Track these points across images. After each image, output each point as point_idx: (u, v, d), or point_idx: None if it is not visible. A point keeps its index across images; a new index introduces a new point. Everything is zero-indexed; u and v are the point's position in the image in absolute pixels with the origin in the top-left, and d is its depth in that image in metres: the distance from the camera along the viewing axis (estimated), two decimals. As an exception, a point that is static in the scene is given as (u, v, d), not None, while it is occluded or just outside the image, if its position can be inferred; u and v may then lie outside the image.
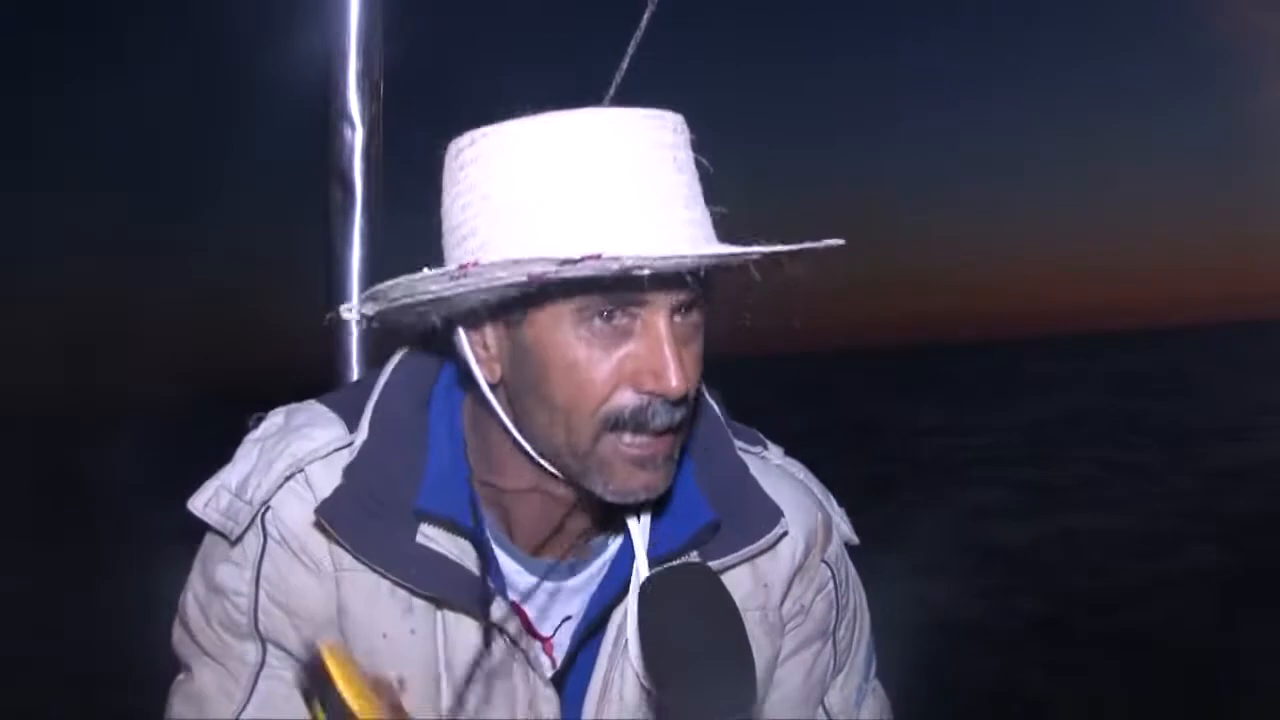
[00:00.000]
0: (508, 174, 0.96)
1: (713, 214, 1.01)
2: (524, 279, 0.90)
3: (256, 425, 1.13)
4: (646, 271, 0.90)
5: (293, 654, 1.08)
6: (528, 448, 1.03)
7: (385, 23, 1.76)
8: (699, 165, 1.01)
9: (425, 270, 0.95)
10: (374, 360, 1.70)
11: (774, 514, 1.14)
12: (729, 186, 1.01)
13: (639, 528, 1.10)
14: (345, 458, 1.07)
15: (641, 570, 1.08)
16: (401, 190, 1.79)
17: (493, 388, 1.03)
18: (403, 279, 0.95)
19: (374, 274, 1.74)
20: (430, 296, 0.95)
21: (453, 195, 1.00)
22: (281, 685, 1.08)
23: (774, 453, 1.26)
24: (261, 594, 1.07)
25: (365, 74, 1.74)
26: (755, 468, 1.19)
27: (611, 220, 0.93)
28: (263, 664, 1.08)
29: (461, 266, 0.90)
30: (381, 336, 1.75)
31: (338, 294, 1.75)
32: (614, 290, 0.93)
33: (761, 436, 1.27)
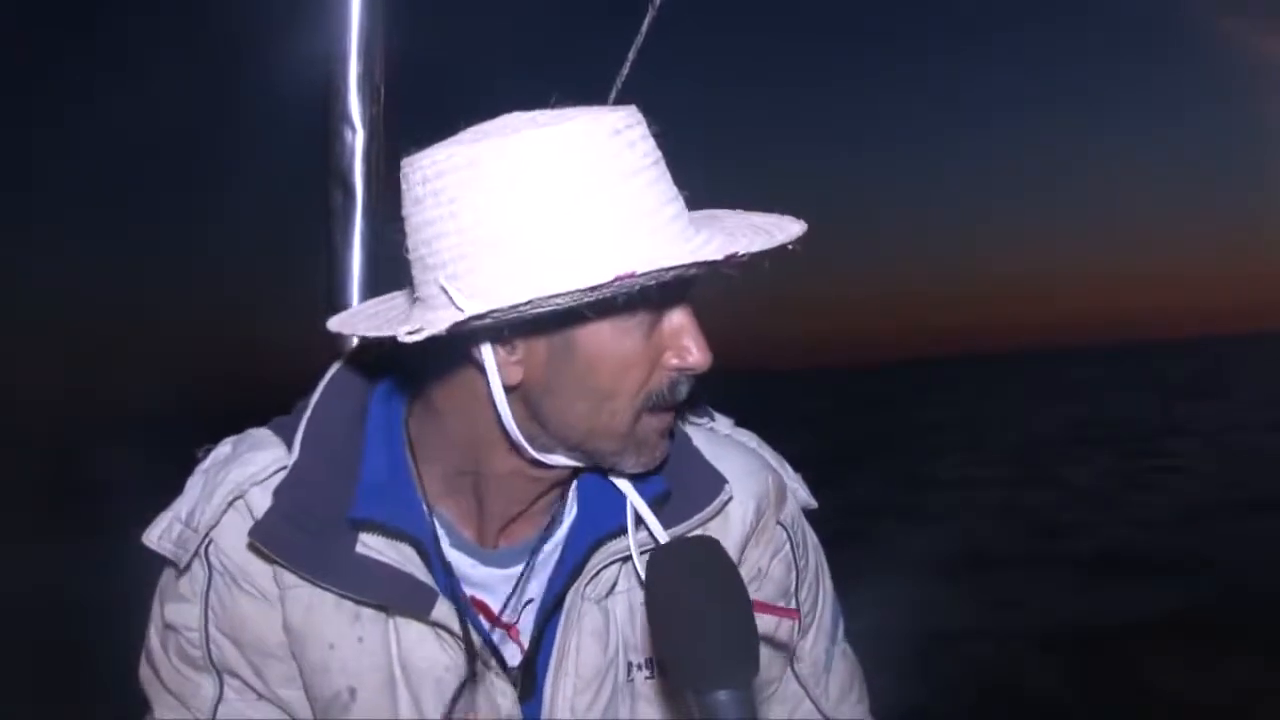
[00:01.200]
0: (499, 203, 0.93)
1: (685, 198, 1.03)
2: (593, 299, 0.92)
3: (205, 456, 1.15)
4: (672, 275, 0.94)
5: (248, 684, 1.11)
6: (522, 442, 1.05)
7: (386, 25, 1.76)
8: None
9: (468, 300, 0.93)
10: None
11: (717, 481, 1.17)
12: (681, 170, 1.03)
13: (631, 490, 1.13)
14: (281, 479, 1.08)
15: (659, 535, 1.11)
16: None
17: (508, 389, 1.03)
18: (422, 329, 0.91)
19: (374, 277, 1.74)
20: (483, 323, 0.93)
21: (427, 218, 0.97)
22: (239, 716, 1.11)
23: (722, 423, 1.29)
24: (211, 627, 1.10)
25: (366, 77, 1.74)
26: (701, 438, 1.22)
27: (624, 235, 0.94)
28: (220, 697, 1.11)
29: (490, 311, 0.90)
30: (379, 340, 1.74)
31: (338, 297, 1.75)
32: (662, 292, 0.98)
33: (709, 409, 1.30)
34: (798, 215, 1.04)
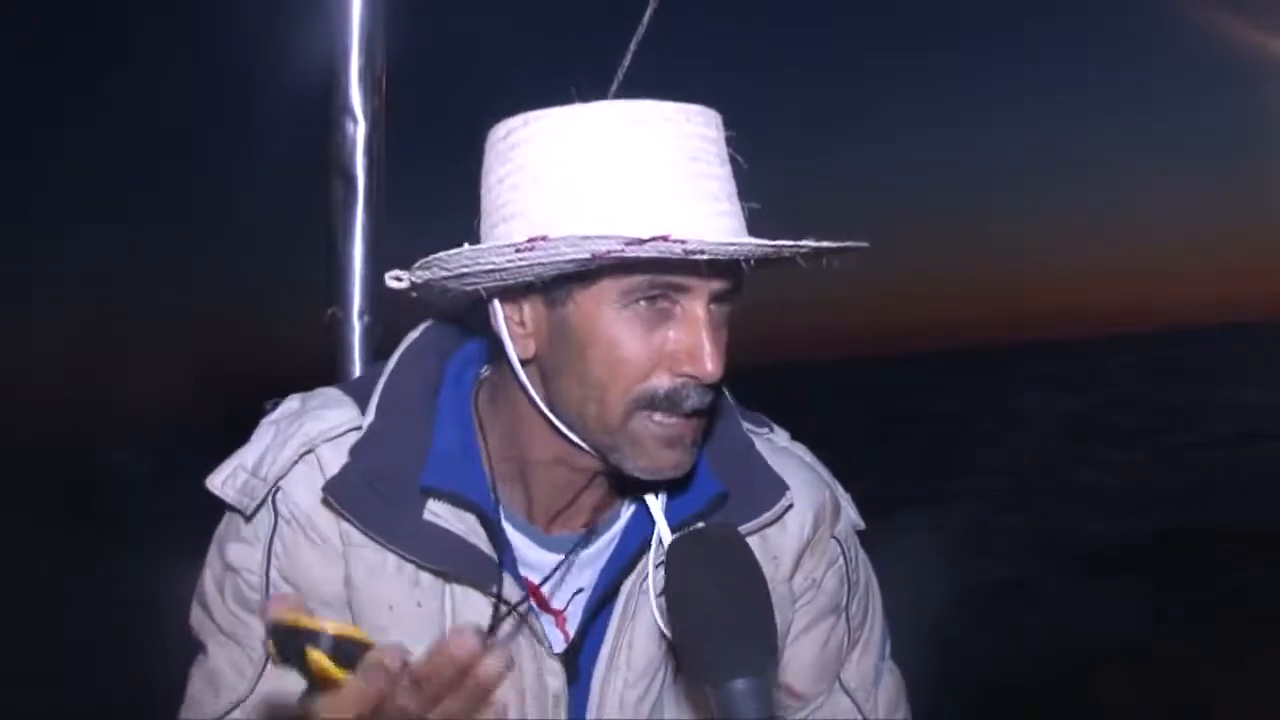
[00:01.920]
0: (562, 156, 0.98)
1: (745, 210, 1.04)
2: (588, 255, 0.92)
3: (274, 408, 1.17)
4: (705, 256, 0.94)
5: None
6: (556, 422, 1.06)
7: (388, 18, 1.76)
8: (734, 162, 1.04)
9: (465, 245, 0.97)
10: (375, 355, 1.69)
11: (780, 486, 1.17)
12: (759, 184, 1.04)
13: (655, 500, 1.13)
14: (354, 439, 1.10)
15: (665, 536, 1.11)
16: (403, 185, 1.78)
17: (524, 363, 1.06)
18: (465, 249, 0.96)
19: (376, 269, 1.74)
20: (489, 267, 0.97)
21: (499, 175, 1.02)
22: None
23: (780, 435, 1.30)
24: (273, 570, 1.10)
25: (368, 69, 1.74)
26: (762, 447, 1.22)
27: (668, 206, 0.97)
28: (268, 654, 1.09)
29: (530, 240, 0.92)
30: (383, 332, 1.75)
31: (339, 289, 1.75)
32: (665, 273, 0.97)
33: (768, 420, 1.30)
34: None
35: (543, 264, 0.95)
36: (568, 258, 0.93)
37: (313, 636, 0.81)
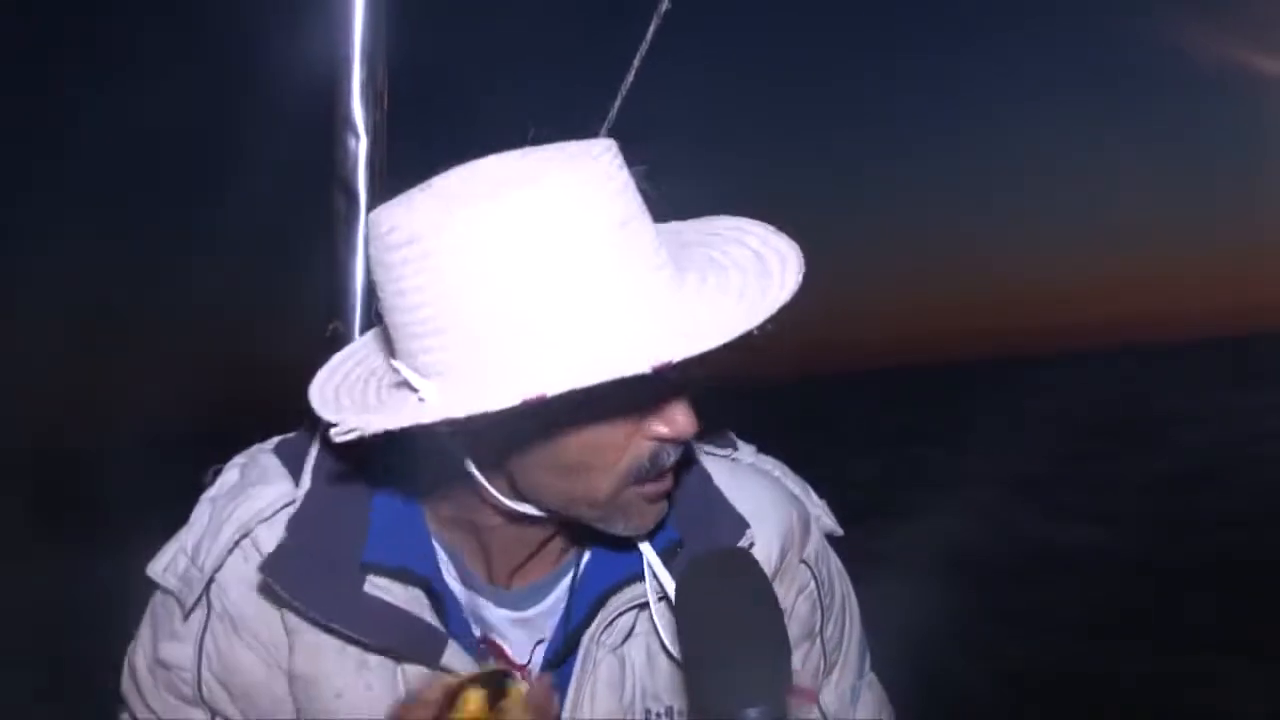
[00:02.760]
0: (496, 264, 0.86)
1: (649, 199, 0.96)
2: (582, 397, 0.84)
3: (213, 480, 1.12)
4: (678, 359, 0.85)
5: None
6: (513, 506, 1.00)
7: (389, 31, 1.76)
8: (640, 190, 0.95)
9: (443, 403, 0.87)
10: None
11: (739, 525, 1.13)
12: (659, 202, 0.96)
13: (647, 548, 1.09)
14: (289, 514, 1.05)
15: (662, 576, 1.07)
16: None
17: (479, 460, 0.98)
18: (447, 411, 0.85)
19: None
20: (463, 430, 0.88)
21: (416, 284, 0.89)
22: None
23: (745, 452, 1.25)
24: (204, 671, 1.06)
25: (369, 82, 1.74)
26: (723, 472, 1.17)
27: (637, 312, 0.88)
28: None
29: (539, 398, 0.82)
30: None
31: (341, 303, 1.74)
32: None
33: (733, 437, 1.26)
34: (797, 219, 0.98)
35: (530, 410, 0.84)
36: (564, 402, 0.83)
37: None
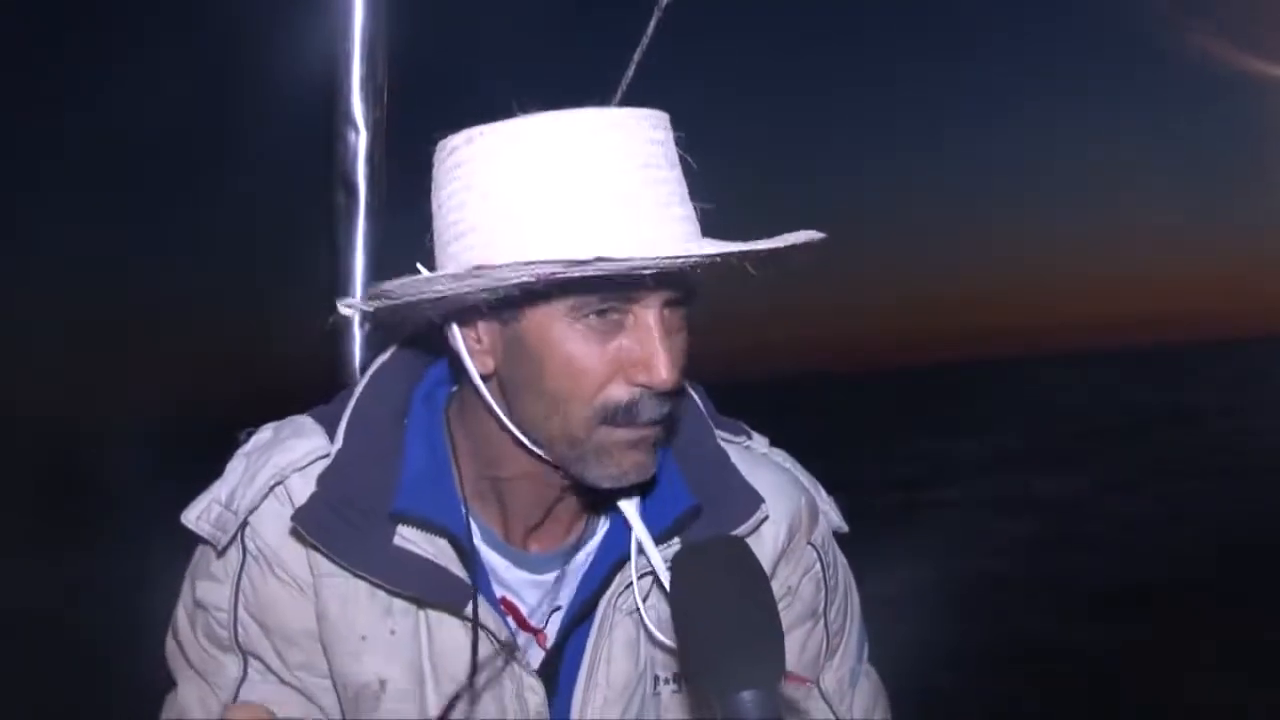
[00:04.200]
0: (507, 172, 0.98)
1: (698, 210, 1.04)
2: (531, 279, 0.92)
3: (247, 439, 1.16)
4: (649, 271, 0.93)
5: (270, 666, 1.11)
6: (521, 437, 1.06)
7: (389, 27, 1.76)
8: (684, 162, 1.03)
9: (423, 271, 0.99)
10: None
11: (754, 499, 1.16)
12: (709, 182, 1.04)
13: (633, 512, 1.12)
14: (323, 467, 1.10)
15: (648, 549, 1.11)
16: (405, 194, 1.78)
17: (485, 379, 1.06)
18: (409, 278, 0.97)
19: (378, 278, 1.74)
20: (435, 295, 0.97)
21: (448, 191, 1.02)
22: (260, 697, 1.10)
23: (758, 442, 1.29)
24: (239, 609, 1.10)
25: (369, 78, 1.74)
26: (737, 456, 1.21)
27: (612, 219, 0.97)
28: (244, 677, 1.11)
29: (477, 268, 0.92)
30: (384, 342, 1.75)
31: (341, 296, 1.75)
32: (611, 288, 0.97)
33: (745, 427, 1.29)
34: (794, 222, 1.02)
35: (489, 289, 0.94)
36: (510, 282, 0.93)
37: None
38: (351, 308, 1.09)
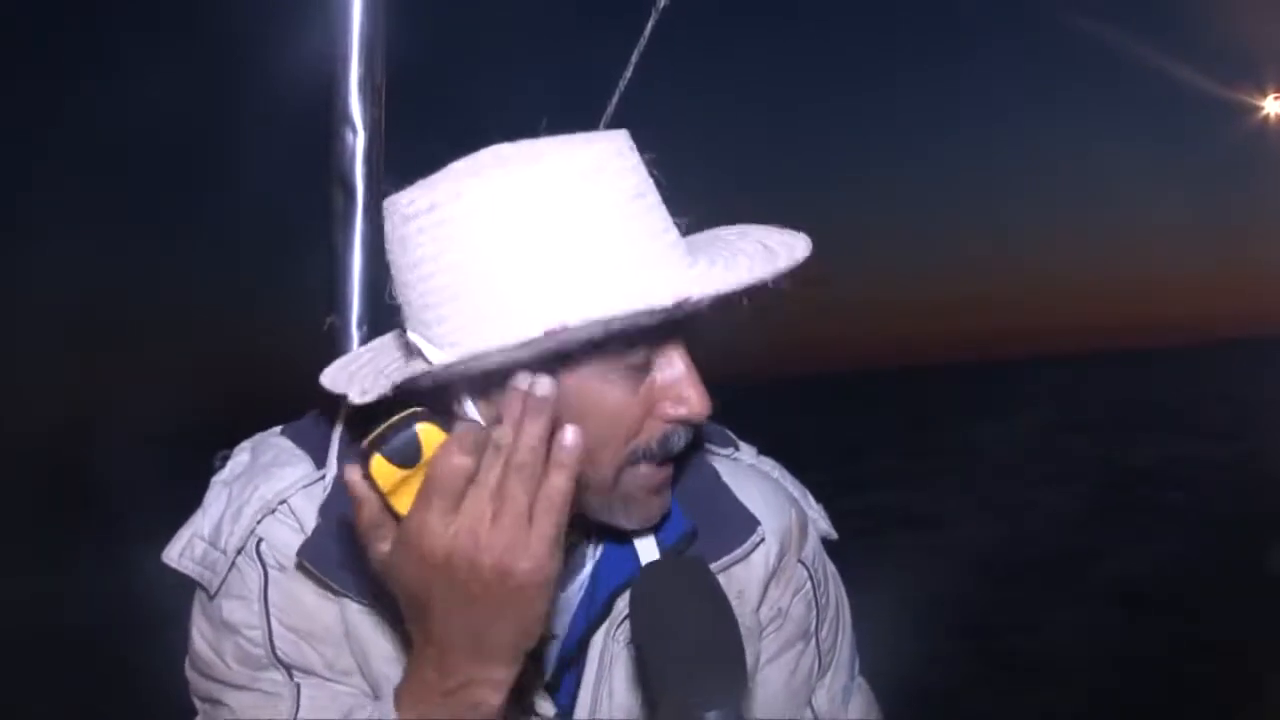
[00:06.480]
0: (511, 227, 0.89)
1: (681, 226, 0.99)
2: (602, 334, 0.87)
3: (223, 465, 1.11)
4: (689, 310, 0.89)
5: (317, 673, 1.04)
6: None
7: (387, 27, 1.76)
8: (657, 182, 0.98)
9: (415, 338, 0.92)
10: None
11: (749, 522, 1.14)
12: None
13: (649, 544, 1.09)
14: (319, 492, 1.05)
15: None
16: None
17: None
18: (455, 357, 0.88)
19: (374, 278, 1.74)
20: (486, 367, 0.90)
21: (431, 252, 0.91)
22: (320, 710, 1.03)
23: (746, 452, 1.26)
24: (274, 622, 1.03)
25: (367, 78, 1.74)
26: (726, 471, 1.19)
27: (644, 259, 0.91)
28: (297, 696, 1.03)
29: (548, 331, 0.85)
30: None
31: (338, 297, 1.75)
32: (649, 332, 0.93)
33: (733, 436, 1.26)
34: (797, 226, 1.00)
35: (549, 351, 0.88)
36: (583, 338, 0.88)
37: (409, 419, 0.84)
38: (364, 395, 0.95)
